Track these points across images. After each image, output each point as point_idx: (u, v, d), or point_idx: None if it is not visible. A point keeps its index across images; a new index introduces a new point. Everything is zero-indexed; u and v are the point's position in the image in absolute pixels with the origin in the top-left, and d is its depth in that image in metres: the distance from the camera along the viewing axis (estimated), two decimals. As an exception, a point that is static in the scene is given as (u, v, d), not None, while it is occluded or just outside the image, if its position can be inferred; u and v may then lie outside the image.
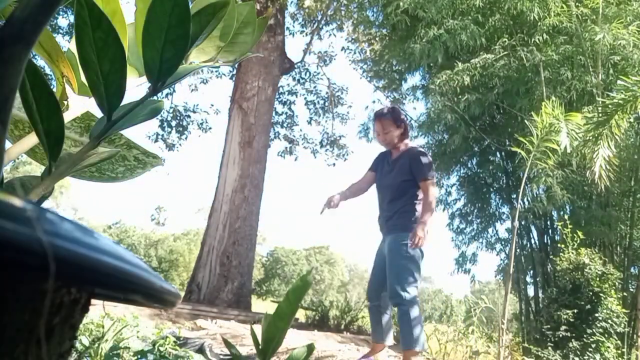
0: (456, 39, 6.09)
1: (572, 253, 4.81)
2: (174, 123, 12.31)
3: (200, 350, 3.06)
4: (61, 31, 10.67)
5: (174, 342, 2.80)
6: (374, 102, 12.59)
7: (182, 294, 8.37)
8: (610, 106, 4.25)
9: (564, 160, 5.06)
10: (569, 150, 4.08)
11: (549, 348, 4.36)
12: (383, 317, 3.13)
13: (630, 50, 5.41)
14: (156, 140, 12.13)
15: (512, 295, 6.53)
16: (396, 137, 3.17)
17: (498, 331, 3.99)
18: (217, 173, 9.10)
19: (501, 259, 7.60)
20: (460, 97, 6.14)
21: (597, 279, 4.59)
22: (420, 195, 3.09)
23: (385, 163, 3.26)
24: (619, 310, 4.55)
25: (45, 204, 0.53)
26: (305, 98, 13.37)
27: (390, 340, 3.17)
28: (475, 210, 7.74)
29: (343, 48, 12.55)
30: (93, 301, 0.31)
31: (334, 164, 13.19)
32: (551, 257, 5.74)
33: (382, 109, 3.30)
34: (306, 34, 12.70)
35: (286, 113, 13.16)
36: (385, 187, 3.20)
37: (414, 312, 2.93)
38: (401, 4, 6.54)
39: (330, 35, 12.37)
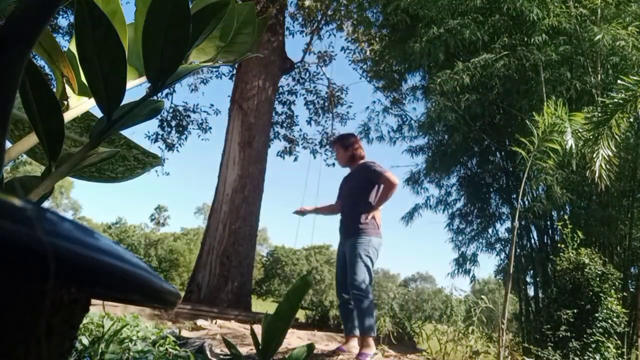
0: (457, 37, 6.09)
1: (572, 253, 4.80)
2: (174, 123, 12.28)
3: (200, 350, 3.06)
4: (61, 31, 10.66)
5: (174, 342, 2.80)
6: (374, 102, 12.55)
7: (183, 294, 8.37)
8: (610, 106, 4.25)
9: (563, 160, 5.05)
10: (574, 150, 4.10)
11: (549, 348, 4.36)
12: (352, 312, 3.63)
13: (629, 50, 5.41)
14: (156, 140, 12.10)
15: (512, 295, 6.53)
16: (346, 158, 3.83)
17: (498, 331, 4.00)
18: (217, 173, 9.10)
19: (501, 259, 7.61)
20: (460, 97, 6.14)
21: (597, 279, 4.59)
22: (373, 201, 3.66)
23: (345, 179, 3.92)
24: (619, 310, 4.55)
25: (45, 204, 0.53)
26: (305, 98, 13.35)
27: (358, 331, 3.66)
28: (475, 210, 7.74)
29: (343, 48, 12.54)
30: (93, 301, 0.31)
31: (333, 164, 13.17)
32: (551, 257, 5.74)
33: (336, 136, 4.09)
34: (306, 34, 12.70)
35: (286, 113, 13.14)
36: (345, 197, 3.79)
37: (369, 302, 3.48)
38: (401, 3, 6.54)
39: (330, 35, 12.36)
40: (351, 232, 3.62)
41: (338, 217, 3.92)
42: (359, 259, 3.52)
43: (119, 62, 0.48)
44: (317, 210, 4.01)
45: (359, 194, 3.67)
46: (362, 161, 3.84)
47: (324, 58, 12.86)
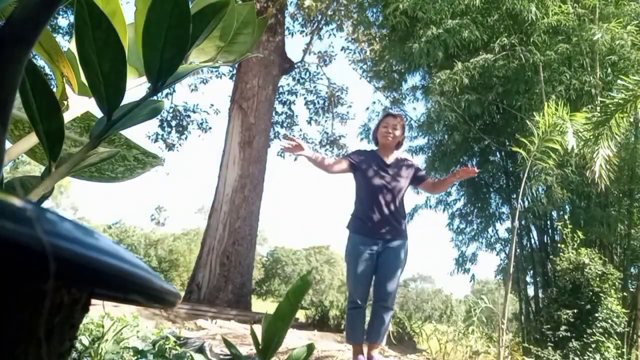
0: (456, 37, 6.08)
1: (572, 253, 4.80)
2: (174, 123, 12.31)
3: (200, 350, 3.06)
4: (61, 31, 10.67)
5: (174, 342, 2.80)
6: (374, 102, 12.52)
7: (183, 294, 8.37)
8: (610, 106, 4.25)
9: (563, 160, 5.05)
10: (575, 151, 4.09)
11: (549, 348, 4.36)
12: (364, 319, 3.23)
13: (628, 50, 5.41)
14: (156, 140, 12.13)
15: (512, 295, 6.53)
16: (398, 140, 3.31)
17: (498, 331, 3.99)
18: (217, 173, 9.10)
19: (501, 259, 7.61)
20: (460, 97, 6.14)
21: (597, 279, 4.59)
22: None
23: (376, 164, 3.26)
24: (619, 310, 4.55)
25: (45, 204, 0.53)
26: (305, 98, 13.37)
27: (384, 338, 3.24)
28: (475, 210, 7.74)
29: (343, 48, 12.54)
30: (93, 301, 0.31)
31: (333, 164, 13.16)
32: (551, 257, 5.74)
33: (398, 112, 3.48)
34: (306, 34, 12.71)
35: (286, 113, 13.16)
36: (385, 190, 3.19)
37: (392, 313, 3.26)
38: (400, 5, 6.54)
39: (330, 35, 12.37)
40: (397, 234, 3.17)
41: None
42: (402, 266, 3.17)
43: (119, 62, 0.48)
44: (311, 159, 3.15)
45: (403, 192, 3.24)
46: (401, 153, 3.40)
47: (324, 58, 12.88)
